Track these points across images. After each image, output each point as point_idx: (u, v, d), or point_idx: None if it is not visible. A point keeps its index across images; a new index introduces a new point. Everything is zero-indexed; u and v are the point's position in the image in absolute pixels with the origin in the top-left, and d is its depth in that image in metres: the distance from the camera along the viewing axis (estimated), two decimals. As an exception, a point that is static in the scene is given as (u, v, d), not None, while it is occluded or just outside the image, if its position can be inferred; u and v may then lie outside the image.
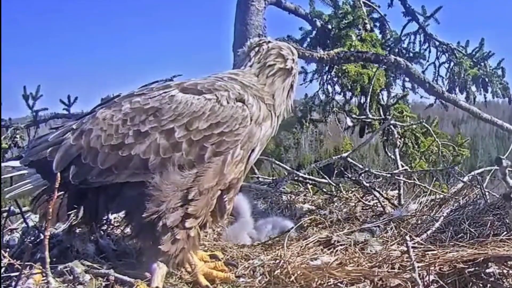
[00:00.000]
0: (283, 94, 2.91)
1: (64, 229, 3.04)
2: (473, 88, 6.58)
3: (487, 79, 6.54)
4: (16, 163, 2.80)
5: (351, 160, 4.99)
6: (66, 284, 2.53)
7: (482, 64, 6.64)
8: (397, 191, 4.58)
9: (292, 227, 3.45)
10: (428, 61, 6.80)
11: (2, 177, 2.77)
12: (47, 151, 2.71)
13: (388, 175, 4.94)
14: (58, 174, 2.46)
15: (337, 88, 6.58)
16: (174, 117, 2.57)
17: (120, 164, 2.57)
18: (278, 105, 2.88)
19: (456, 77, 6.59)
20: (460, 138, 6.83)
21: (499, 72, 6.59)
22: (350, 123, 6.63)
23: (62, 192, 2.62)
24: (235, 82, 2.78)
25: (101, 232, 3.19)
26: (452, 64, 6.71)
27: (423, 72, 6.67)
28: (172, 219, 2.55)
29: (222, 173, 2.61)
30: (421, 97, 6.61)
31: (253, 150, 2.77)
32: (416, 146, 6.30)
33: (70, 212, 2.68)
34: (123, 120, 2.62)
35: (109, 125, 2.63)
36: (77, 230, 3.00)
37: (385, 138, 6.30)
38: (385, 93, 6.72)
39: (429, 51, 6.81)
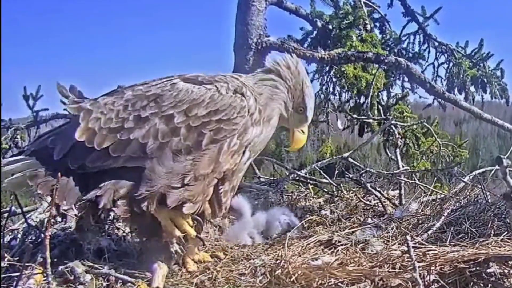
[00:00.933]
0: (271, 103, 2.91)
1: (74, 225, 3.04)
2: (472, 89, 6.57)
3: (486, 80, 6.53)
4: (18, 157, 2.82)
5: (351, 160, 4.99)
6: (67, 284, 2.54)
7: (481, 65, 6.63)
8: (398, 191, 4.58)
9: (296, 226, 3.47)
10: (427, 61, 6.80)
11: (2, 171, 2.78)
12: (48, 140, 2.75)
13: (389, 175, 4.93)
14: (59, 174, 2.48)
15: (336, 89, 6.59)
16: (174, 104, 2.64)
17: (118, 147, 2.61)
18: (267, 111, 2.89)
19: (455, 78, 6.58)
20: (459, 139, 6.82)
21: (498, 73, 6.58)
22: (340, 126, 6.63)
23: (66, 178, 2.62)
24: (235, 79, 2.86)
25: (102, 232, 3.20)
26: (451, 64, 6.71)
27: (422, 72, 6.67)
28: (171, 199, 2.60)
29: (218, 161, 2.66)
30: (420, 97, 6.61)
31: (243, 153, 2.80)
32: (417, 147, 6.28)
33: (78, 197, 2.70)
34: (124, 106, 2.68)
35: (109, 109, 2.69)
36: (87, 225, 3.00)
37: (385, 138, 6.29)
38: (385, 93, 6.72)
39: (429, 52, 6.81)
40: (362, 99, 6.42)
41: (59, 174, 2.44)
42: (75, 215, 3.12)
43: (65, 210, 3.09)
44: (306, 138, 3.14)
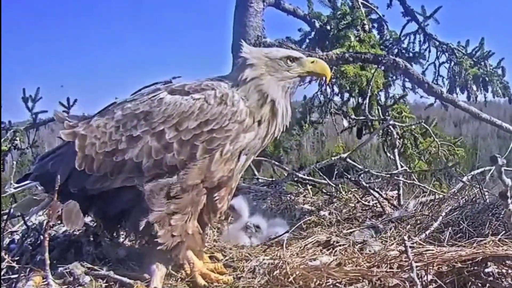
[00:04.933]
0: (264, 100, 2.78)
1: (89, 239, 3.07)
2: (474, 88, 6.55)
3: (487, 79, 6.51)
4: (25, 182, 2.89)
5: (350, 161, 4.99)
6: (66, 286, 2.54)
7: (482, 63, 6.61)
8: (396, 192, 4.59)
9: (287, 231, 3.46)
10: (428, 61, 6.79)
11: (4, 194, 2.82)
12: (49, 164, 2.81)
13: (388, 175, 4.94)
14: (58, 177, 2.50)
15: (336, 89, 6.57)
16: (164, 119, 2.62)
17: (115, 169, 2.63)
18: (261, 111, 2.77)
19: (457, 77, 6.57)
20: (453, 137, 6.82)
21: (499, 71, 6.57)
22: (346, 124, 6.62)
23: (71, 201, 2.69)
24: (222, 82, 2.80)
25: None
26: (452, 64, 6.70)
27: (423, 72, 6.66)
28: (156, 215, 2.59)
29: (209, 170, 2.64)
30: (421, 97, 6.55)
31: (238, 158, 2.76)
32: (415, 147, 6.28)
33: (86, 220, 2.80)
34: (115, 127, 2.69)
35: (102, 132, 2.70)
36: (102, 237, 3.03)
37: (383, 139, 6.29)
38: (384, 93, 6.71)
39: (429, 51, 6.79)
40: (362, 99, 6.40)
41: (54, 205, 2.50)
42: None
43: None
44: (320, 61, 3.00)
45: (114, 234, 3.08)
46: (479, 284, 2.46)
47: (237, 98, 2.70)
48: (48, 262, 2.38)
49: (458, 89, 6.64)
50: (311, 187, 5.05)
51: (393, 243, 3.07)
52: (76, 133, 2.74)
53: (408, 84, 6.67)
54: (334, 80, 6.37)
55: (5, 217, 3.49)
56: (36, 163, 3.05)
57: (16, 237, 3.38)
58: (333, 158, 5.16)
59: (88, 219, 3.01)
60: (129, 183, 2.63)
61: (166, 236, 2.63)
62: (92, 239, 3.03)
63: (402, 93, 6.73)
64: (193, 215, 2.71)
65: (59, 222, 2.71)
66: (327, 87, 6.55)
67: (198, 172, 2.61)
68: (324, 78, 3.09)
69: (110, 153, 2.64)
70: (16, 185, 2.96)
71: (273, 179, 5.44)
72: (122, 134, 2.65)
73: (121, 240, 3.21)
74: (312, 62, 2.92)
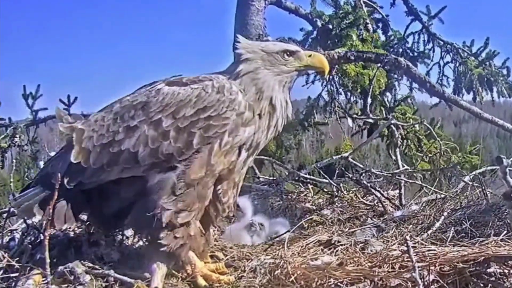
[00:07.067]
0: (263, 94, 2.75)
1: (87, 239, 3.05)
2: (480, 88, 6.51)
3: (492, 79, 6.48)
4: (28, 190, 2.85)
5: (352, 160, 4.97)
6: (66, 285, 2.53)
7: (487, 63, 6.58)
8: (398, 191, 4.57)
9: (288, 231, 3.45)
10: (432, 60, 6.76)
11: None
12: (49, 166, 2.82)
13: (389, 175, 4.92)
14: (58, 175, 2.48)
15: (339, 89, 6.55)
16: (161, 108, 2.61)
17: (111, 160, 2.60)
18: (261, 105, 2.75)
19: (462, 77, 6.53)
20: (470, 145, 6.79)
21: (504, 71, 6.54)
22: (351, 124, 6.59)
23: (64, 199, 2.66)
24: (220, 75, 2.77)
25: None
26: (457, 64, 6.67)
27: (427, 72, 6.64)
28: (165, 215, 2.56)
29: (210, 163, 2.60)
30: (431, 97, 6.46)
31: (239, 153, 2.72)
32: (419, 148, 6.25)
33: (81, 216, 2.79)
34: (113, 119, 2.68)
35: (100, 125, 2.69)
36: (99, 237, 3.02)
37: (387, 139, 6.26)
38: (389, 94, 6.68)
39: (433, 51, 6.76)
40: (366, 100, 6.37)
41: (53, 201, 2.44)
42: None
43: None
44: (317, 54, 3.00)
45: (110, 234, 3.06)
46: (481, 284, 2.45)
47: (235, 89, 2.68)
48: (48, 261, 2.37)
49: (464, 90, 6.61)
50: (312, 186, 5.03)
51: (395, 243, 3.06)
52: (74, 127, 2.73)
53: (415, 85, 6.63)
54: (337, 80, 6.36)
55: (4, 215, 3.48)
56: (40, 170, 3.05)
57: (16, 235, 3.37)
58: (334, 157, 5.14)
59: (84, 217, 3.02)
60: (126, 174, 2.60)
61: (169, 238, 2.60)
62: (90, 238, 3.02)
63: (408, 93, 6.70)
64: (199, 213, 2.68)
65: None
66: (331, 85, 6.54)
67: (199, 165, 2.58)
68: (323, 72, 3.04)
69: (107, 144, 2.62)
70: (17, 195, 2.94)
71: (274, 178, 5.42)
72: (119, 126, 2.64)
73: (117, 241, 3.17)
74: (310, 55, 2.90)
